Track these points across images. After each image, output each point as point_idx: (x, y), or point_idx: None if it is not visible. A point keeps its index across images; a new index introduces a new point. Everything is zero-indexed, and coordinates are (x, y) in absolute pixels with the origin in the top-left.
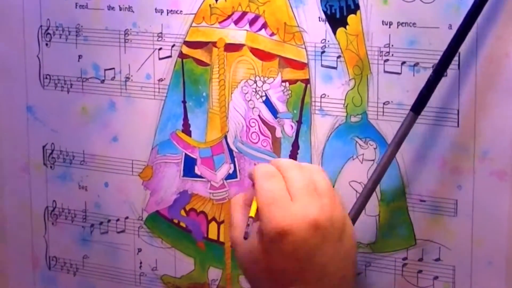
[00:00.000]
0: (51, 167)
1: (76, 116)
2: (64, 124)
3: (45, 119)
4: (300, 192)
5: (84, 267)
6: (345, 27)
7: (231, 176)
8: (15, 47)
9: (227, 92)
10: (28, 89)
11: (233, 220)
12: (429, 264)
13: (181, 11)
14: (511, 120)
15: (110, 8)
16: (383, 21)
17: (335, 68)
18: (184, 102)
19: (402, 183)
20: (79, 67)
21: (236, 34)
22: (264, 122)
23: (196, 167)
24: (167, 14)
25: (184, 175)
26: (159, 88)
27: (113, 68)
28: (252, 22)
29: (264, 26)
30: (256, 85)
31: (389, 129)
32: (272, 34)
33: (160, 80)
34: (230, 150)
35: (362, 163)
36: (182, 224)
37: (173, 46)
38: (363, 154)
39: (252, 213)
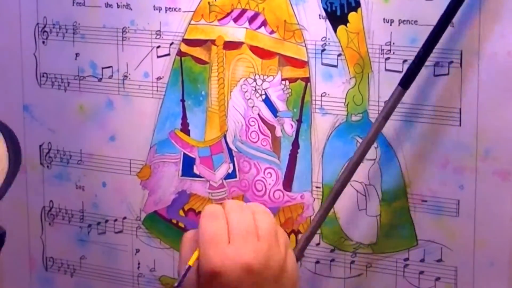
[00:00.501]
0: (48, 166)
1: (73, 115)
2: (61, 123)
3: (42, 118)
4: (238, 235)
5: (81, 268)
6: (346, 25)
7: (230, 175)
8: (11, 45)
9: (226, 90)
10: (25, 88)
11: (181, 256)
12: (431, 265)
13: (179, 8)
14: None
15: (108, 5)
16: (384, 19)
17: (335, 66)
18: (182, 100)
19: (403, 183)
20: (76, 66)
21: (235, 31)
22: (263, 121)
23: (195, 167)
24: (166, 12)
25: (182, 175)
26: (157, 87)
27: (111, 67)
28: (251, 20)
29: (264, 23)
30: (256, 83)
31: (390, 129)
32: (272, 32)
33: (159, 78)
34: (229, 150)
35: (363, 162)
36: (181, 224)
37: (171, 44)
38: None
39: (191, 261)
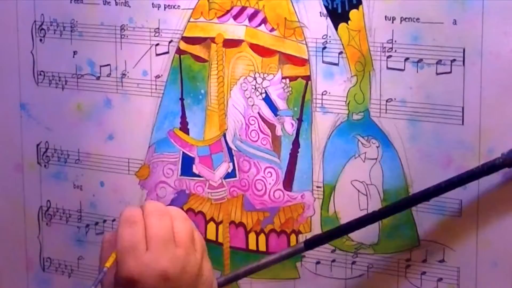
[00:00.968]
0: (45, 166)
1: (71, 113)
2: (58, 122)
3: (39, 116)
4: (156, 242)
5: (79, 268)
6: (347, 23)
7: (230, 175)
8: (8, 43)
9: (225, 89)
10: (22, 86)
11: (100, 257)
12: (433, 266)
13: (178, 6)
14: None
15: (106, 2)
16: (386, 16)
17: (336, 64)
18: (181, 99)
19: (405, 182)
20: (74, 64)
21: (235, 29)
22: (263, 119)
23: (194, 166)
24: (164, 9)
25: (181, 174)
26: (156, 85)
27: (109, 65)
28: (251, 17)
29: (264, 21)
30: (256, 81)
31: (392, 127)
32: (272, 30)
33: (157, 76)
34: (229, 149)
35: (364, 162)
36: None
37: (170, 42)
38: (365, 153)
39: (108, 263)
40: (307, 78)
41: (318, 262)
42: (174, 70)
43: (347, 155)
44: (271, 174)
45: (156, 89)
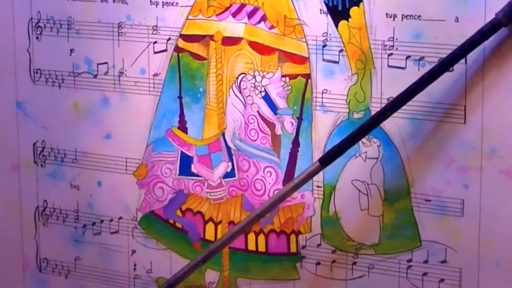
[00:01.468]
0: (41, 165)
1: (67, 112)
2: (55, 120)
3: (36, 115)
4: None
5: (76, 269)
6: (348, 20)
7: (229, 174)
8: (4, 41)
9: (224, 87)
10: (18, 85)
11: None
12: (434, 266)
13: (177, 3)
14: None
15: (103, 0)
16: (387, 14)
17: (337, 62)
18: (180, 97)
19: (406, 182)
20: (71, 62)
21: (234, 27)
22: (263, 118)
23: (192, 165)
24: (163, 6)
25: (180, 174)
26: (154, 83)
27: (106, 63)
28: (250, 15)
29: (263, 18)
30: (255, 80)
31: (393, 126)
32: (272, 27)
33: (155, 75)
34: (228, 148)
35: (365, 161)
36: (178, 225)
37: (168, 39)
38: (366, 152)
39: None
40: (307, 76)
41: (318, 263)
42: (172, 68)
43: (347, 154)
44: (271, 174)
45: (154, 87)
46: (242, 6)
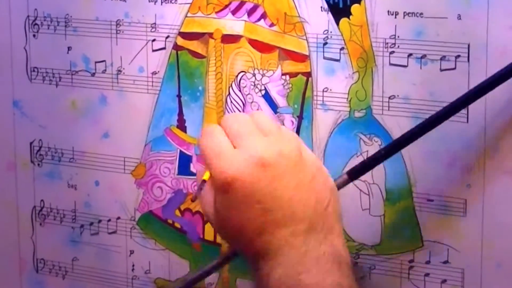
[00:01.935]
0: (38, 164)
1: (65, 111)
2: (52, 119)
3: (33, 114)
4: (241, 137)
5: (73, 270)
6: (349, 17)
7: None
8: (0, 39)
9: (224, 85)
10: (15, 83)
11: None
12: (436, 267)
13: (175, 0)
14: None
15: None
16: (388, 11)
17: (338, 60)
18: (179, 96)
19: (408, 181)
20: (68, 60)
21: (233, 24)
22: None
23: (191, 165)
24: (161, 4)
25: (179, 173)
26: (152, 82)
27: (104, 61)
28: (250, 12)
29: (263, 16)
30: (255, 78)
31: (394, 125)
32: (272, 25)
33: (154, 73)
34: None
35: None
36: (177, 225)
37: (167, 37)
38: (367, 151)
39: (206, 176)
40: (308, 74)
41: None
42: (171, 66)
43: (348, 154)
44: None
45: (152, 85)
46: (242, 3)
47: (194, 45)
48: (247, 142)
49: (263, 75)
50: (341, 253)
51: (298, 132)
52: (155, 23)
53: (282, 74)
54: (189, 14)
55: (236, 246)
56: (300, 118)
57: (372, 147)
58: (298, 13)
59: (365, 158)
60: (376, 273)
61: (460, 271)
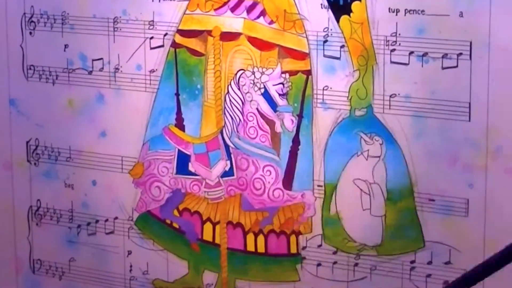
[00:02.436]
0: (35, 164)
1: (62, 109)
2: (49, 118)
3: (29, 112)
4: None
5: (70, 270)
6: (349, 15)
7: (227, 173)
8: None
9: (223, 84)
10: (11, 81)
11: None
12: (438, 268)
13: None
14: None
15: None
16: (389, 8)
17: (338, 58)
18: (177, 94)
19: (410, 181)
20: (65, 57)
21: (232, 22)
22: (262, 116)
23: (190, 164)
24: (159, 1)
25: (177, 173)
26: (150, 80)
27: (101, 59)
28: (249, 9)
29: (263, 13)
30: (254, 76)
31: (396, 124)
32: (271, 22)
33: (152, 71)
34: (227, 146)
35: (367, 159)
36: (175, 225)
37: (165, 35)
38: (368, 150)
39: None
40: (308, 72)
41: (319, 264)
42: (169, 64)
43: (349, 153)
44: (270, 173)
45: (150, 84)
46: (241, 0)
47: (192, 43)
48: None
49: (262, 73)
50: None
51: (298, 131)
52: (153, 21)
53: (282, 72)
54: (187, 12)
55: None
56: (300, 116)
57: (373, 146)
58: (298, 10)
59: (366, 157)
60: (377, 274)
61: (462, 272)
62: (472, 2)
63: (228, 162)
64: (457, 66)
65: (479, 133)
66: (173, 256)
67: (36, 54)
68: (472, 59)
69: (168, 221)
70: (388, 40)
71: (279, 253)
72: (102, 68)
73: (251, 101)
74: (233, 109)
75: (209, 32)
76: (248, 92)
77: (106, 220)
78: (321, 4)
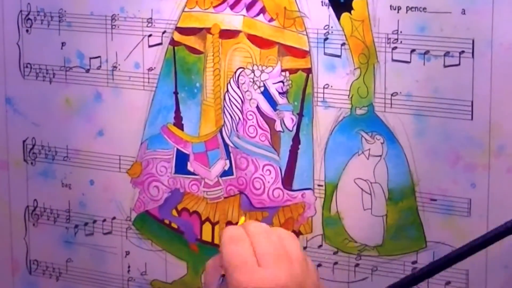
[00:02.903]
0: (32, 163)
1: (59, 108)
2: (46, 117)
3: (26, 111)
4: (268, 257)
5: (67, 271)
6: (350, 12)
7: (226, 173)
8: None
9: (222, 82)
10: (7, 79)
11: (206, 283)
12: None
13: None
14: None
15: None
16: (391, 6)
17: (339, 56)
18: (175, 93)
19: (411, 181)
20: (62, 55)
21: (232, 19)
22: (262, 114)
23: (188, 163)
24: None
25: (175, 172)
26: (148, 78)
27: (99, 57)
28: (249, 7)
29: (263, 10)
30: (254, 74)
31: (397, 122)
32: (271, 20)
33: (150, 69)
34: (226, 145)
35: (368, 159)
36: (174, 225)
37: (164, 32)
38: (369, 149)
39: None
40: (308, 70)
41: (319, 265)
42: (167, 62)
43: (350, 152)
44: (270, 172)
45: (148, 82)
46: None
47: (191, 41)
48: (274, 265)
49: (262, 71)
50: None
51: (298, 130)
52: (151, 18)
53: (282, 70)
54: (186, 9)
55: None
56: (300, 115)
57: (374, 145)
58: (298, 7)
59: (367, 156)
60: (378, 274)
61: (464, 273)
62: (474, 0)
63: (228, 161)
64: (459, 64)
65: (482, 132)
66: (171, 256)
67: (33, 52)
68: (475, 57)
69: (167, 221)
70: (390, 38)
71: None
72: (100, 66)
73: (250, 99)
74: (232, 108)
75: (208, 30)
76: (247, 91)
77: (104, 220)
78: (322, 2)
